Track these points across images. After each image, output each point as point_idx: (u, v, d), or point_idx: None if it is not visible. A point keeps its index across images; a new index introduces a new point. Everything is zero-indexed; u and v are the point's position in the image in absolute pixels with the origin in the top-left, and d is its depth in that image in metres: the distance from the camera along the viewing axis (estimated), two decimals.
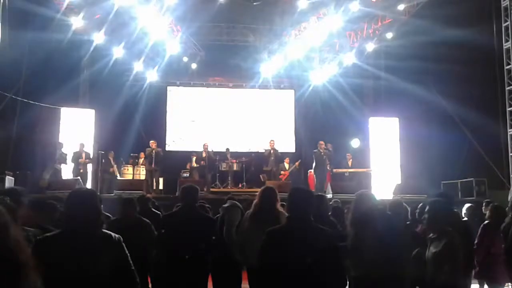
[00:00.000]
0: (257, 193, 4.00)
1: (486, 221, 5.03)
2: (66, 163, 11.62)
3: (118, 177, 12.40)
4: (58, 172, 11.47)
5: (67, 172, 11.75)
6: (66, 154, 11.67)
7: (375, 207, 3.12)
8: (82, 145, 11.89)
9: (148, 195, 7.54)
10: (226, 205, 4.55)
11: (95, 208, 2.32)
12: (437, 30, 11.76)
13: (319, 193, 4.43)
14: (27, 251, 1.53)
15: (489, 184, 11.12)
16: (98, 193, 2.59)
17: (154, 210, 5.58)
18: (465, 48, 11.15)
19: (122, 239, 2.35)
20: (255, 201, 3.90)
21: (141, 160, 12.85)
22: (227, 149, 13.48)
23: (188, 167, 13.15)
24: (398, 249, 2.96)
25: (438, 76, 13.13)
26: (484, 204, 6.31)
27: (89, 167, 12.09)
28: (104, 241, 2.27)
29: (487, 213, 5.24)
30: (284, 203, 3.37)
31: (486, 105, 11.86)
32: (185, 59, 14.66)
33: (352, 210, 3.19)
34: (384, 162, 14.14)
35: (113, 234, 2.35)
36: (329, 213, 5.28)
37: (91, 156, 12.06)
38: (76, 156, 11.63)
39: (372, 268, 2.86)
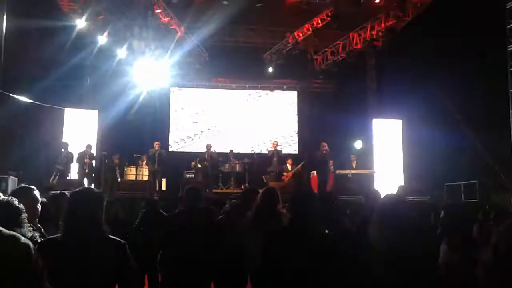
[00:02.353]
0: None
1: None
2: (72, 162, 11.67)
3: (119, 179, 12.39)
4: (63, 172, 11.51)
5: (72, 172, 11.80)
6: (72, 154, 11.72)
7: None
8: (89, 146, 11.92)
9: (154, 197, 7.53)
10: None
11: (92, 210, 2.27)
12: (441, 31, 11.73)
13: (326, 194, 4.38)
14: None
15: (493, 187, 11.05)
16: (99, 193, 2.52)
17: (162, 212, 5.51)
18: (470, 49, 11.11)
19: (126, 243, 2.32)
20: (256, 202, 3.87)
21: (144, 161, 12.84)
22: (231, 151, 13.45)
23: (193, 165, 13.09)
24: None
25: (442, 78, 13.08)
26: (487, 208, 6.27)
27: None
28: (104, 244, 2.24)
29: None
30: (286, 204, 3.35)
31: (490, 107, 11.81)
32: (189, 60, 14.66)
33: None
34: (387, 163, 14.10)
35: (116, 238, 2.31)
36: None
37: (95, 156, 12.08)
38: (81, 156, 11.66)
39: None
